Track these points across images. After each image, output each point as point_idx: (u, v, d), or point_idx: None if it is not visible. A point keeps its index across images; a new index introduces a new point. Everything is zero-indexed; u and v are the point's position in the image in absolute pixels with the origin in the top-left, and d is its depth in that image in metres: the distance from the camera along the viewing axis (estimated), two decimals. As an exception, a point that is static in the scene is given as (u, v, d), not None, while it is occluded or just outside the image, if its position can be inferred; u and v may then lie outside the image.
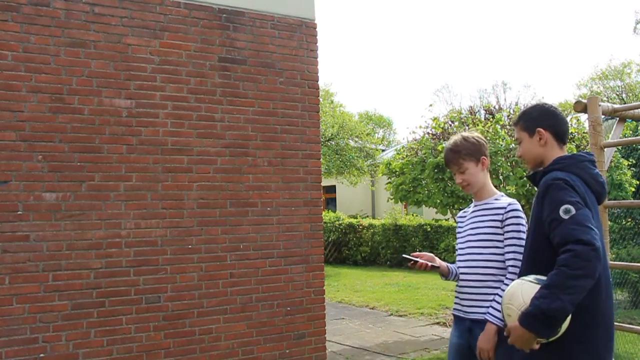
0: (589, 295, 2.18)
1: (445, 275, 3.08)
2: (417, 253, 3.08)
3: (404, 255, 3.13)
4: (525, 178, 6.94)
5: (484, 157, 3.00)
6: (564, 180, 2.30)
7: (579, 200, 2.25)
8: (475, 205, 3.05)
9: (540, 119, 2.55)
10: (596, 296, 2.27)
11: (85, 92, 4.39)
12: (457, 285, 3.05)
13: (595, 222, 2.26)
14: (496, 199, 2.98)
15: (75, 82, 4.36)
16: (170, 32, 4.73)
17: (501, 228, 2.86)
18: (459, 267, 3.04)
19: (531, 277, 2.29)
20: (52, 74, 4.28)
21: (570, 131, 7.70)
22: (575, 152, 2.58)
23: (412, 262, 3.02)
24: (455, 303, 3.05)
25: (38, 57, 4.24)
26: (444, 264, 3.09)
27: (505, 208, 2.88)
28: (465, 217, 3.12)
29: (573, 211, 2.20)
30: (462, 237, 3.06)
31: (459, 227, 3.14)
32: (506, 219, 2.86)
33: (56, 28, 4.31)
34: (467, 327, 2.93)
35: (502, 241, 2.86)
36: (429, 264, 3.00)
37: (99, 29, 4.46)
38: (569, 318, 2.17)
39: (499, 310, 2.72)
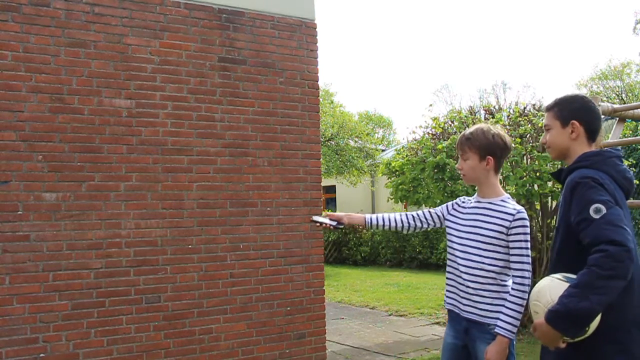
0: (622, 295, 2.12)
1: (363, 225, 3.18)
2: (328, 213, 3.19)
3: (313, 218, 3.22)
4: (525, 178, 6.93)
5: (490, 156, 2.90)
6: (592, 179, 2.22)
7: (610, 199, 2.17)
8: (478, 202, 2.99)
9: (578, 112, 2.44)
10: (629, 296, 2.20)
11: (85, 92, 4.39)
12: (449, 279, 3.01)
13: (626, 221, 2.20)
14: (502, 201, 2.92)
15: (75, 82, 4.36)
16: (170, 32, 4.73)
17: (506, 235, 2.83)
18: (459, 265, 2.96)
19: (560, 275, 2.24)
20: (52, 74, 4.29)
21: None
22: None
23: (319, 224, 3.13)
24: (450, 297, 3.00)
25: (38, 57, 4.24)
26: (359, 216, 3.18)
27: (513, 215, 2.83)
28: (464, 207, 3.04)
29: (604, 210, 2.13)
30: (459, 232, 2.98)
31: (455, 214, 3.06)
32: (514, 227, 2.81)
33: (56, 28, 4.31)
34: (463, 328, 2.91)
35: (504, 247, 2.83)
36: (333, 224, 3.10)
37: (99, 29, 4.46)
38: (598, 318, 2.12)
39: (508, 322, 2.72)
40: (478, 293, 2.85)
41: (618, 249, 2.05)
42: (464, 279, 2.90)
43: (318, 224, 3.13)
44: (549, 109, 2.53)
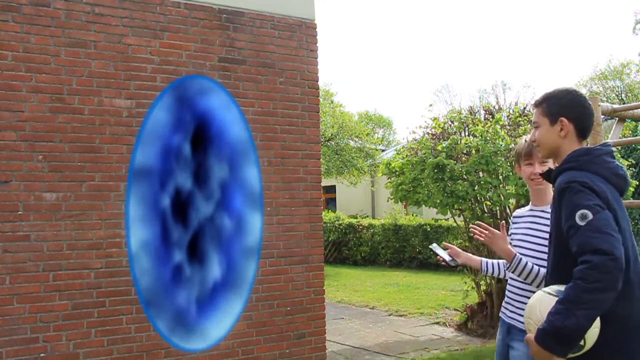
0: (621, 302, 2.04)
1: (478, 269, 3.12)
2: (447, 244, 3.11)
3: (431, 246, 3.11)
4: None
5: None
6: (579, 182, 2.12)
7: (598, 203, 2.07)
8: (531, 210, 3.00)
9: (567, 108, 2.30)
10: (630, 303, 2.11)
11: (85, 92, 4.39)
12: (507, 288, 3.07)
13: (621, 222, 2.13)
14: None
15: (76, 82, 4.36)
16: (170, 32, 4.73)
17: None
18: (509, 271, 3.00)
19: (552, 289, 2.14)
20: (52, 74, 4.29)
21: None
22: None
23: (436, 254, 3.06)
24: (503, 306, 3.05)
25: (38, 57, 4.25)
26: (476, 258, 3.12)
27: None
28: (520, 218, 3.06)
29: (590, 216, 2.03)
30: (514, 241, 3.01)
31: (513, 227, 3.09)
32: None
33: (56, 28, 4.31)
34: (506, 328, 2.97)
35: None
36: (447, 259, 3.04)
37: (99, 29, 4.46)
38: (596, 331, 2.02)
39: None
40: (522, 299, 2.86)
41: (603, 259, 1.95)
42: (513, 285, 2.96)
43: (434, 254, 3.08)
44: (538, 104, 2.40)
